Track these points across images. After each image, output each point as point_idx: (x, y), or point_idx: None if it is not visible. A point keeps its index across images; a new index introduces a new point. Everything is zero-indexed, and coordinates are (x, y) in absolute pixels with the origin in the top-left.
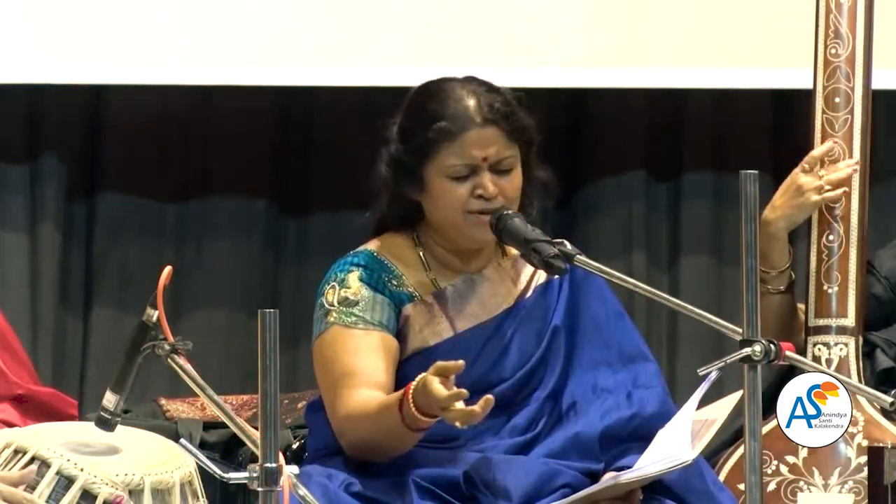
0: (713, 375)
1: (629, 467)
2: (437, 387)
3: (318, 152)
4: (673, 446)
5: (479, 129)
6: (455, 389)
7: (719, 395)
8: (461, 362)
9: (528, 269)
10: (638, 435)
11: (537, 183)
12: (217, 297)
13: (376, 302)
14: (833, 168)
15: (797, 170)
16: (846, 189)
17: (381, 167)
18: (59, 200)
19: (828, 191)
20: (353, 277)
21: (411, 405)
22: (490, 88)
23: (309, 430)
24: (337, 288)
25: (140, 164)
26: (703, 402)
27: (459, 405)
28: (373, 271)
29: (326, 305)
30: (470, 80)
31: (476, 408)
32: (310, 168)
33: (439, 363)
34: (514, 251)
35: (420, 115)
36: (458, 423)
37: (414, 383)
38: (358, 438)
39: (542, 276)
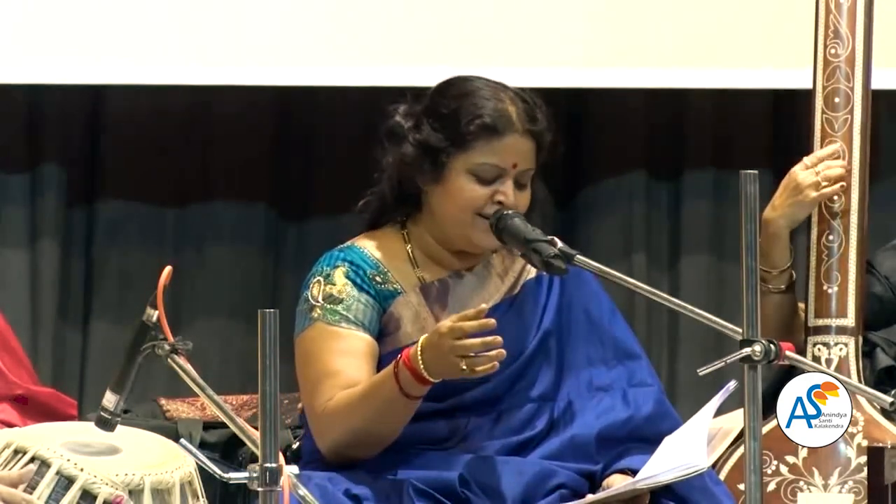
0: (731, 386)
1: (632, 468)
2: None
3: (318, 153)
4: (688, 453)
5: (518, 136)
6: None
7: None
8: (484, 306)
9: (516, 266)
10: (635, 436)
11: (536, 199)
12: (217, 299)
13: (360, 302)
14: (830, 164)
15: (796, 167)
16: (843, 185)
17: (406, 146)
18: (60, 204)
19: (825, 187)
20: (339, 274)
21: (419, 362)
22: (524, 99)
23: (304, 432)
24: (322, 283)
25: (140, 167)
26: (698, 407)
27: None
28: (358, 268)
29: (311, 300)
30: (505, 87)
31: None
32: (310, 170)
33: (459, 314)
34: (503, 249)
35: (460, 106)
36: (466, 367)
37: (418, 343)
38: (344, 430)
39: (531, 272)
